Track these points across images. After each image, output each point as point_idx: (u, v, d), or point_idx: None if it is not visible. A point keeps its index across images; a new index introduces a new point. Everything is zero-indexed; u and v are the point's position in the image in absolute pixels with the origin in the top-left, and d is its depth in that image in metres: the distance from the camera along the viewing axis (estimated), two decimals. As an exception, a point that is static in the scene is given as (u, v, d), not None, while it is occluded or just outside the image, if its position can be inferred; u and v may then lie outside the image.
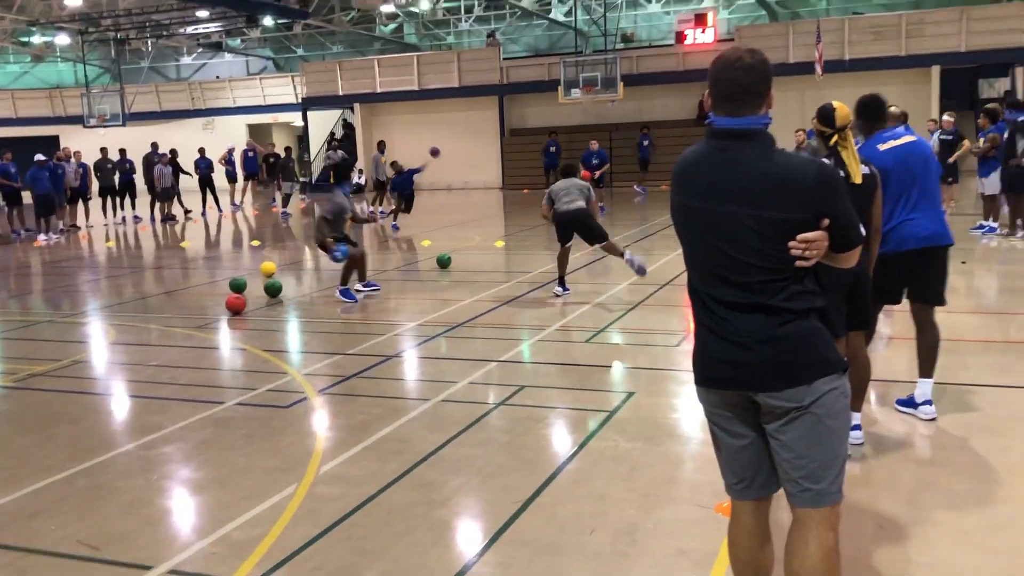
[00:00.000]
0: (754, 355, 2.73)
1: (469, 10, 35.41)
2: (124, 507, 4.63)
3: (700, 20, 28.47)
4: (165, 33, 32.89)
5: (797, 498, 2.83)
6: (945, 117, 15.89)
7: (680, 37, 28.66)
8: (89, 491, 4.85)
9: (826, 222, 2.69)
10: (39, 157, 19.50)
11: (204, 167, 24.32)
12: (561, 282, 10.18)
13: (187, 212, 23.74)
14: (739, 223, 2.69)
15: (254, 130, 35.93)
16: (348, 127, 34.27)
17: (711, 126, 2.80)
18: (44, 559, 4.11)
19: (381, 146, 22.19)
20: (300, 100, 33.80)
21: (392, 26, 36.67)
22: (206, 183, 24.19)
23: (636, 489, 4.56)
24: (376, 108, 32.59)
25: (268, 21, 30.70)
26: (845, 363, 2.81)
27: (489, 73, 30.46)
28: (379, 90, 31.73)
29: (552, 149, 26.61)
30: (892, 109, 9.97)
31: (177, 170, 23.61)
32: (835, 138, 4.48)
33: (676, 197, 2.88)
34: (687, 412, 5.69)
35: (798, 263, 2.70)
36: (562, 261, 10.11)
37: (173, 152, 24.02)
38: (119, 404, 6.78)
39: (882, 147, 5.17)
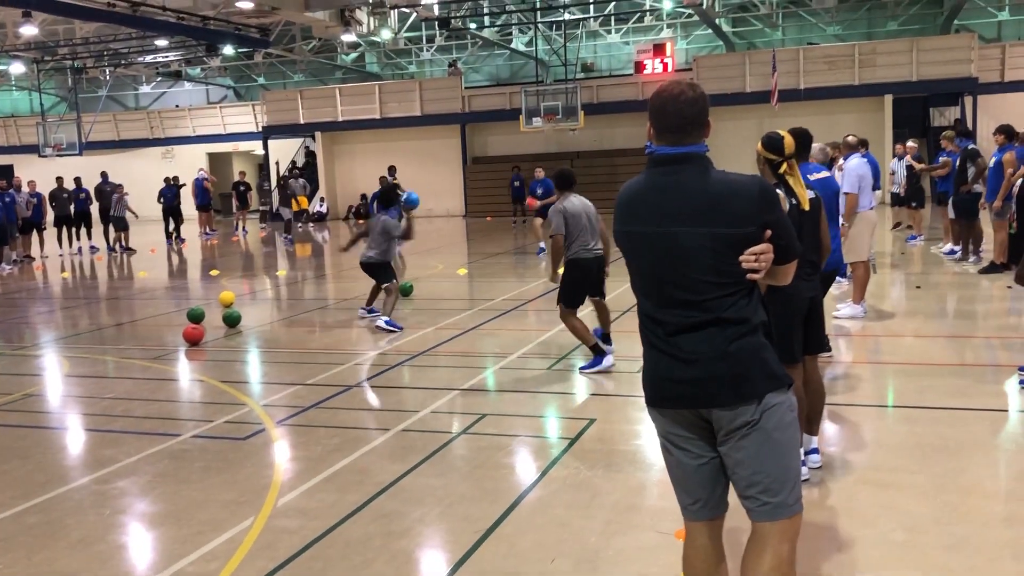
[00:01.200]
0: (708, 371, 2.80)
1: (431, 40, 35.63)
2: (75, 544, 4.51)
3: (659, 50, 28.93)
4: (123, 62, 32.68)
5: (756, 512, 2.86)
6: (910, 143, 16.20)
7: (639, 67, 29.08)
8: (39, 528, 4.72)
9: (769, 233, 2.79)
10: None
11: (171, 196, 24.14)
12: (606, 338, 7.86)
13: (176, 235, 23.89)
14: (693, 242, 2.77)
15: (214, 159, 35.70)
16: (310, 155, 34.18)
17: (653, 155, 2.90)
18: (-10, 599, 3.99)
19: (392, 171, 22.25)
20: (261, 129, 33.67)
21: (354, 55, 36.75)
22: (171, 213, 24.03)
23: (597, 516, 4.54)
24: (338, 137, 32.56)
25: (228, 50, 30.58)
26: (790, 378, 2.90)
27: (451, 102, 30.60)
28: (341, 119, 31.71)
29: (516, 183, 26.62)
30: (849, 138, 10.17)
31: (176, 197, 24.16)
32: (784, 166, 4.55)
33: (623, 226, 2.94)
34: (648, 438, 5.70)
35: (749, 276, 2.78)
36: (582, 330, 7.58)
37: (175, 179, 24.63)
38: (72, 438, 6.63)
39: (811, 177, 5.68)
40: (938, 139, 15.40)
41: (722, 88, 26.55)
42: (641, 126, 29.69)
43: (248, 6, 22.56)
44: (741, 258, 2.76)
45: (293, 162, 34.41)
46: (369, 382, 7.78)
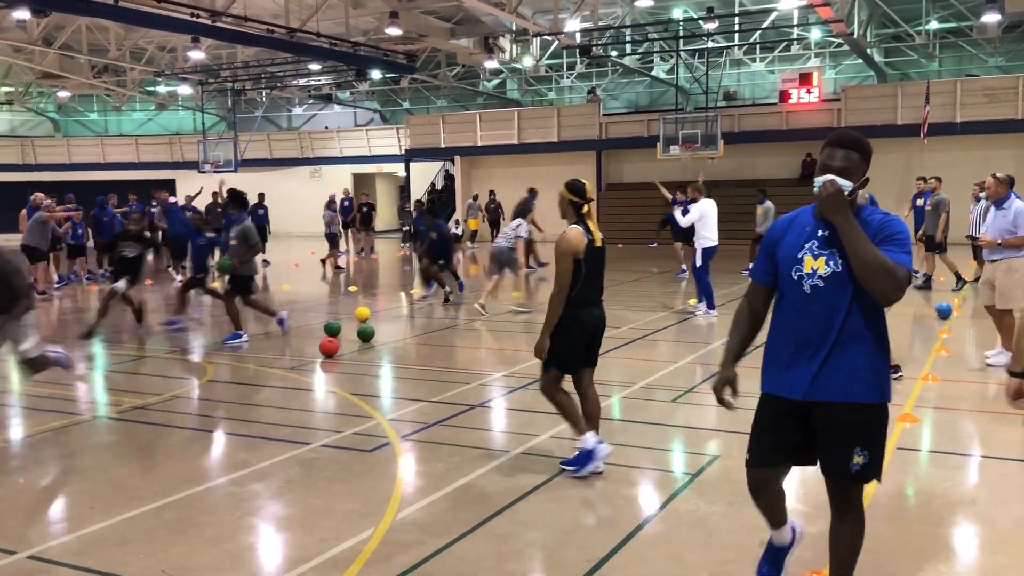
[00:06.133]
0: None
1: (571, 67, 35.94)
2: (208, 541, 4.74)
3: (805, 80, 28.20)
4: (279, 85, 34.45)
5: None
6: None
7: (784, 96, 28.41)
8: (176, 523, 5.00)
9: None
10: (172, 199, 20.49)
11: (347, 211, 24.89)
12: None
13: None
14: None
15: (358, 179, 37.09)
16: (449, 178, 35.02)
17: None
18: (129, 587, 4.24)
19: (533, 193, 20.87)
20: (403, 151, 34.77)
21: (495, 82, 37.50)
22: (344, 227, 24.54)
23: (713, 555, 4.43)
24: (476, 161, 33.22)
25: (376, 75, 31.78)
26: None
27: (588, 128, 30.75)
28: (480, 143, 32.36)
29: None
30: (998, 175, 9.40)
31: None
32: (586, 207, 5.49)
33: None
34: (773, 478, 5.51)
35: None
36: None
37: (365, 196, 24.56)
38: (211, 440, 7.00)
39: None
40: None
41: (871, 120, 25.64)
42: (784, 156, 29.00)
43: (396, 33, 23.40)
44: None
45: (432, 184, 35.34)
46: (493, 403, 7.86)
